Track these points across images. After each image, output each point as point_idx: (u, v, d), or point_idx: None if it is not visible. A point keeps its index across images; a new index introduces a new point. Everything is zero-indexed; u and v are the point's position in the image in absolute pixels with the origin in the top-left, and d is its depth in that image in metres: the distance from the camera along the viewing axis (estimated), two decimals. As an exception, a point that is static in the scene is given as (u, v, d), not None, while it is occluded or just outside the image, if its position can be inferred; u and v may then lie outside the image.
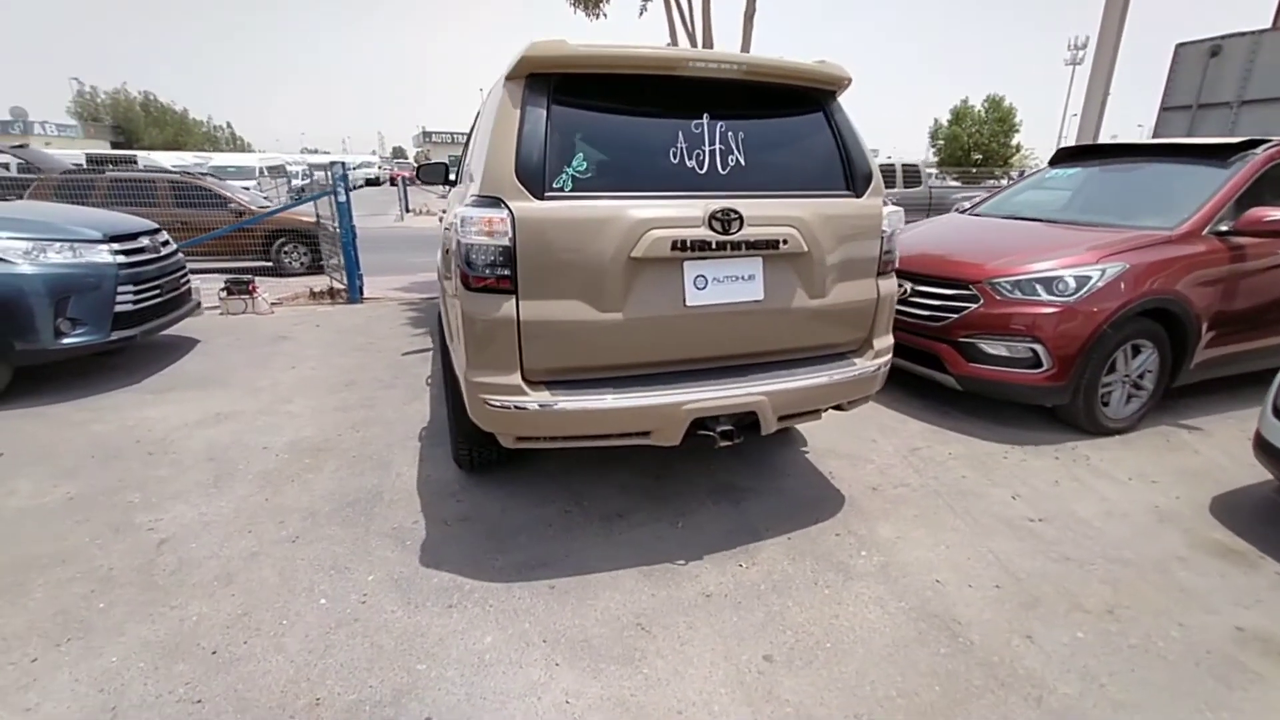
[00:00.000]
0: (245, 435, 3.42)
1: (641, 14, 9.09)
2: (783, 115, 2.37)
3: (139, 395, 4.00)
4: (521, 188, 1.98)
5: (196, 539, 2.47)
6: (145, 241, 4.43)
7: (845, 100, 2.45)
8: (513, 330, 2.02)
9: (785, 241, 2.18)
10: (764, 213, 2.17)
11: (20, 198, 7.75)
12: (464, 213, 1.97)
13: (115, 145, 39.51)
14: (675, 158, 2.14)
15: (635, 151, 2.16)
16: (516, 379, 2.07)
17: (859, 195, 2.39)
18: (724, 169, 2.19)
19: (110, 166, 13.11)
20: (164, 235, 4.81)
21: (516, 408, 2.06)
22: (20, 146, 14.12)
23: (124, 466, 3.04)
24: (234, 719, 1.67)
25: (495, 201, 1.97)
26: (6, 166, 11.55)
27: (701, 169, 2.16)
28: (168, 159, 20.20)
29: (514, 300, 2.02)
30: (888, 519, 2.67)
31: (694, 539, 2.52)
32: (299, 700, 1.73)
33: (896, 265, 2.58)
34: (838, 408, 2.57)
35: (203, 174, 11.38)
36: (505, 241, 1.96)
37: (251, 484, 2.90)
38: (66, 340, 3.80)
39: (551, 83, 2.06)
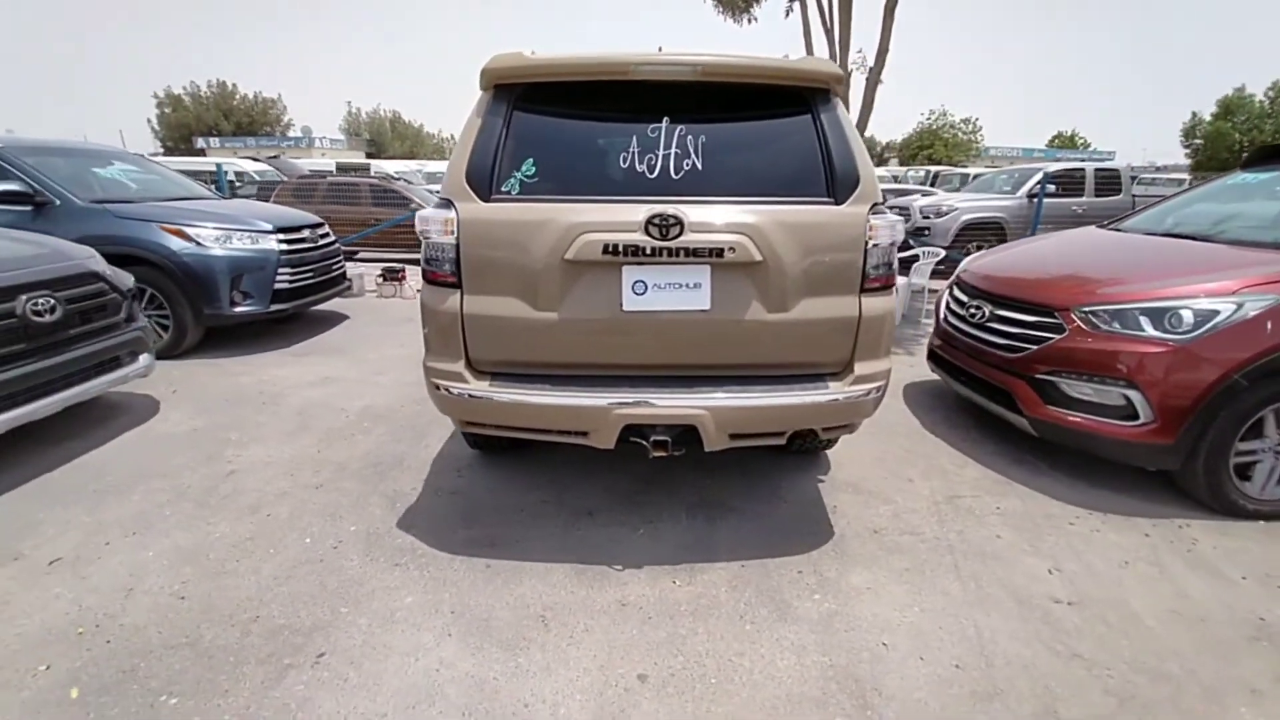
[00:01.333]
0: (334, 398, 4.06)
1: (788, 15, 8.83)
2: (758, 117, 2.24)
3: (282, 357, 4.94)
4: (470, 191, 2.13)
5: (254, 475, 3.02)
6: (306, 233, 5.44)
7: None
8: (457, 322, 2.19)
9: (733, 250, 2.06)
10: (711, 219, 2.07)
11: (269, 197, 9.89)
12: (423, 213, 2.18)
13: (368, 155, 48.06)
14: (625, 162, 2.14)
15: (586, 156, 2.20)
16: (460, 367, 2.23)
17: (839, 202, 2.16)
18: (676, 174, 2.14)
19: (351, 173, 16.12)
20: (324, 228, 5.85)
21: (458, 394, 2.22)
22: (274, 158, 17.93)
23: (240, 412, 3.80)
24: (197, 616, 2.06)
25: (448, 203, 2.16)
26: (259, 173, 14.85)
27: (652, 174, 2.13)
28: (393, 166, 24.10)
29: (459, 295, 2.18)
30: (869, 567, 2.37)
31: (645, 548, 2.48)
32: (244, 614, 2.07)
33: (892, 281, 2.28)
34: (810, 435, 2.34)
35: (395, 178, 13.44)
36: (452, 240, 2.13)
37: (315, 437, 3.45)
38: (238, 309, 4.83)
39: (515, 92, 2.19)
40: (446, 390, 2.23)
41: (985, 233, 8.46)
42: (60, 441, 3.29)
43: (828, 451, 3.33)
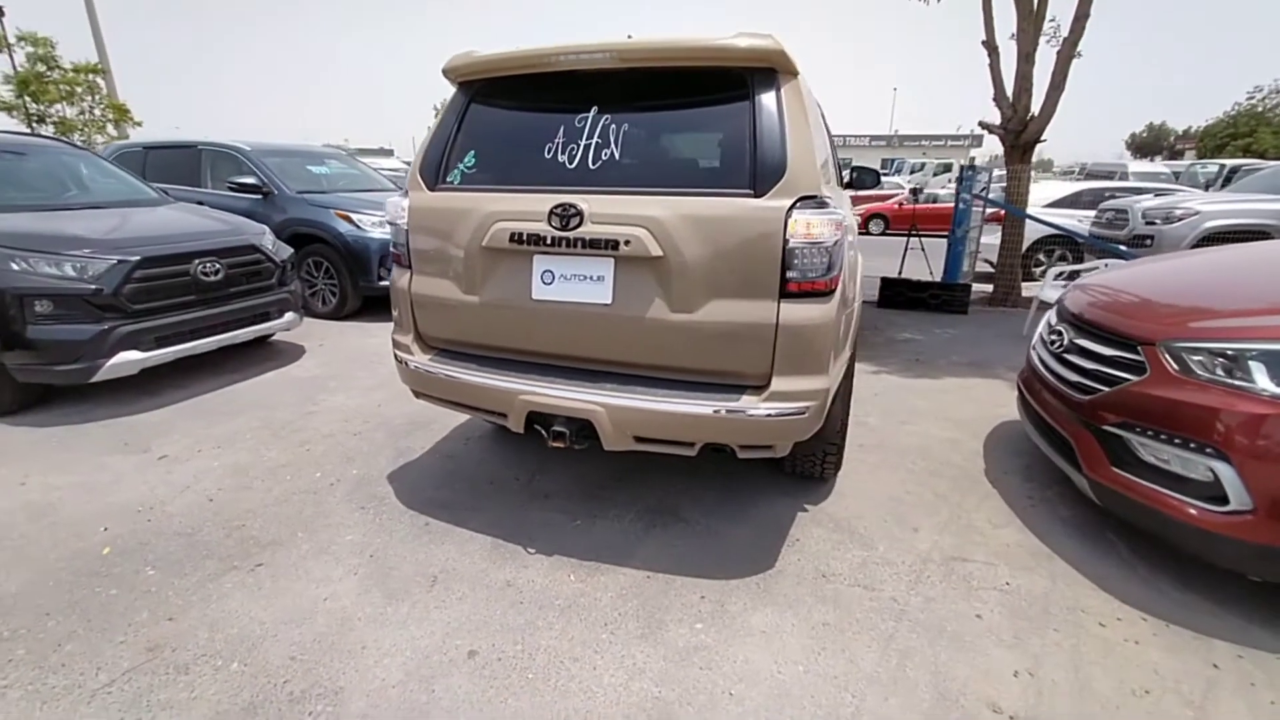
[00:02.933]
0: (422, 363, 4.68)
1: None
2: (691, 103, 2.07)
3: (410, 326, 5.81)
4: (420, 181, 2.34)
5: (323, 416, 3.67)
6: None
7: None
8: (407, 299, 2.43)
9: (628, 243, 1.97)
10: (610, 210, 2.00)
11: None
12: (389, 200, 2.45)
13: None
14: (550, 153, 2.15)
15: (517, 147, 2.25)
16: (410, 340, 2.47)
17: (759, 195, 1.91)
18: (594, 164, 2.09)
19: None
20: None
21: (405, 364, 2.47)
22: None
23: (351, 366, 4.60)
24: (209, 516, 2.61)
25: (405, 192, 2.40)
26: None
27: (572, 163, 2.12)
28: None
29: (409, 274, 2.42)
30: (783, 611, 2.09)
31: (570, 538, 2.49)
32: (237, 522, 2.57)
33: (828, 287, 1.95)
34: (726, 449, 2.12)
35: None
36: (404, 225, 2.37)
37: (385, 395, 4.03)
38: (381, 282, 5.79)
39: (473, 89, 2.34)
40: (402, 361, 2.49)
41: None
42: (224, 373, 4.33)
43: (840, 478, 2.95)
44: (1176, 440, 2.04)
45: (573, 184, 2.09)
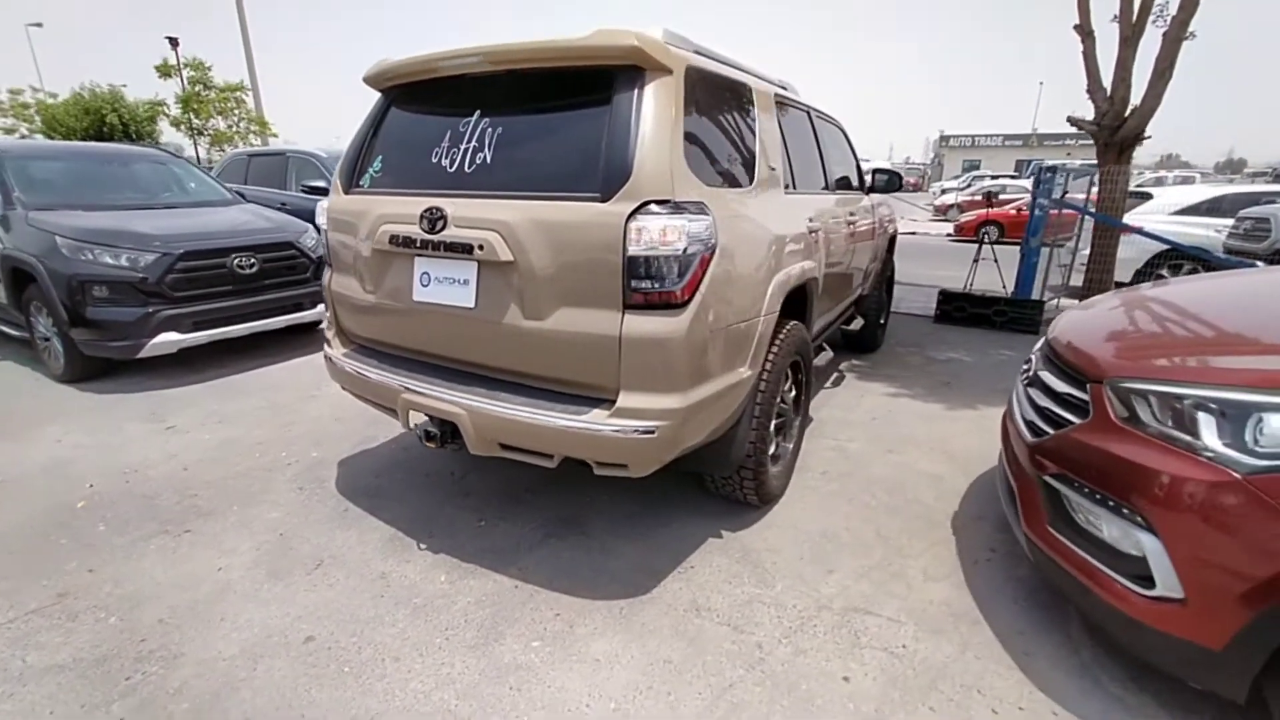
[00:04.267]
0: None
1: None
2: (563, 104, 1.99)
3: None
4: (339, 184, 2.46)
5: (321, 401, 3.95)
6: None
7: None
8: (329, 295, 2.56)
9: (481, 247, 1.94)
10: (470, 214, 1.98)
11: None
12: (319, 203, 2.60)
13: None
14: (436, 157, 2.17)
15: (412, 152, 2.28)
16: (331, 334, 2.61)
17: (605, 199, 1.80)
18: (469, 167, 2.08)
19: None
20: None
21: (326, 357, 2.60)
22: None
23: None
24: (175, 483, 2.91)
25: (327, 194, 2.53)
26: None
27: (452, 167, 2.12)
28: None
29: (330, 272, 2.54)
30: (631, 643, 1.96)
31: (464, 539, 2.50)
32: (192, 491, 2.85)
33: (678, 299, 1.79)
34: (585, 465, 2.02)
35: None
36: (325, 224, 2.50)
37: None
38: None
39: (389, 95, 2.42)
40: (324, 354, 2.63)
41: None
42: (257, 357, 4.81)
43: (782, 505, 2.72)
44: (1110, 502, 1.66)
45: (448, 187, 2.10)
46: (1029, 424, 2.08)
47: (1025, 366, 2.34)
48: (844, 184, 3.98)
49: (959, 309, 6.13)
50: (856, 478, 3.03)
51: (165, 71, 16.55)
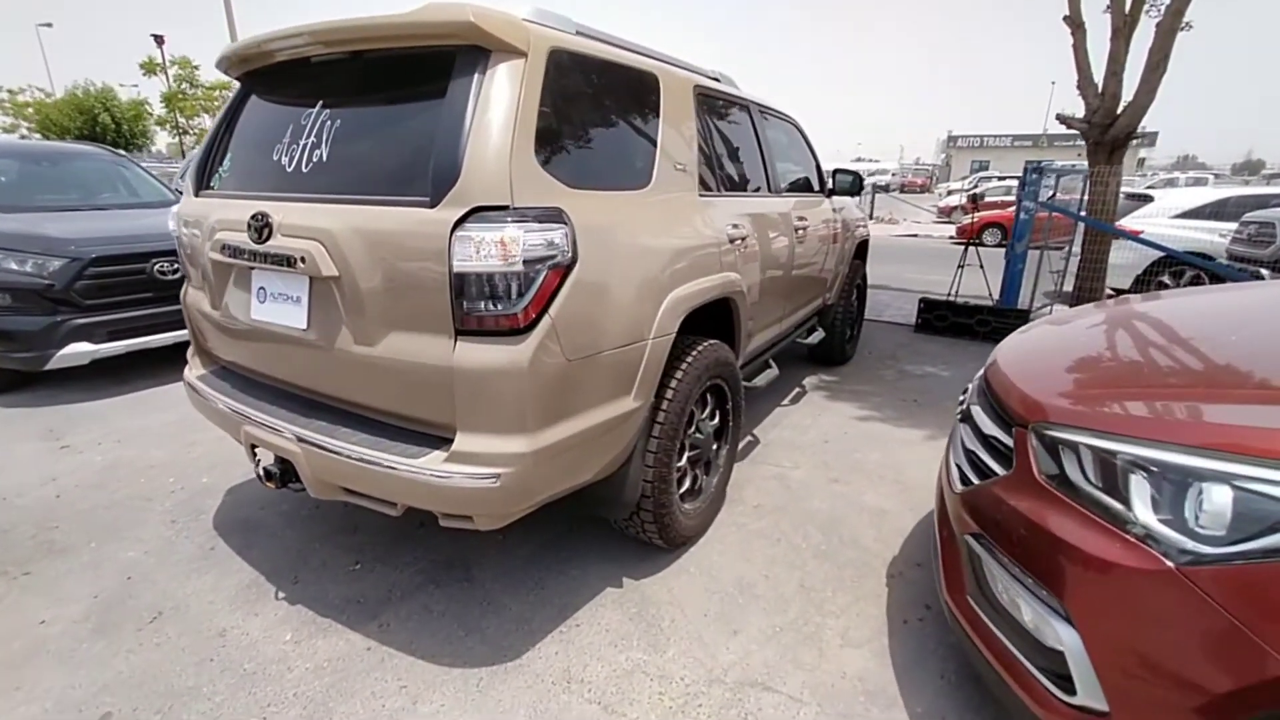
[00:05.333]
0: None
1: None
2: (403, 94, 1.71)
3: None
4: (190, 185, 2.19)
5: (233, 418, 3.70)
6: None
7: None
8: (186, 311, 2.29)
9: (303, 260, 1.66)
10: (296, 221, 1.70)
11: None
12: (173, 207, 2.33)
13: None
14: (277, 155, 1.89)
15: (257, 149, 2.00)
16: (191, 351, 2.34)
17: (433, 204, 1.51)
18: (306, 166, 1.80)
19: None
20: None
21: (184, 381, 2.33)
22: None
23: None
24: (40, 513, 2.65)
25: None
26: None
27: (290, 166, 1.84)
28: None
29: (187, 284, 2.27)
30: (467, 713, 1.67)
31: (331, 584, 2.21)
32: (53, 524, 2.59)
33: (520, 323, 1.50)
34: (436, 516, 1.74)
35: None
36: (175, 232, 2.23)
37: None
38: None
39: (245, 84, 2.14)
40: (184, 376, 2.36)
41: None
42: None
43: (702, 546, 2.43)
44: (1027, 580, 1.36)
45: (283, 190, 1.83)
46: (958, 468, 1.78)
47: (961, 397, 2.03)
48: (799, 186, 3.68)
49: (940, 318, 5.79)
50: (791, 513, 2.72)
51: (150, 69, 16.51)
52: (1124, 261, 6.74)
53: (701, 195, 2.35)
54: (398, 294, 1.59)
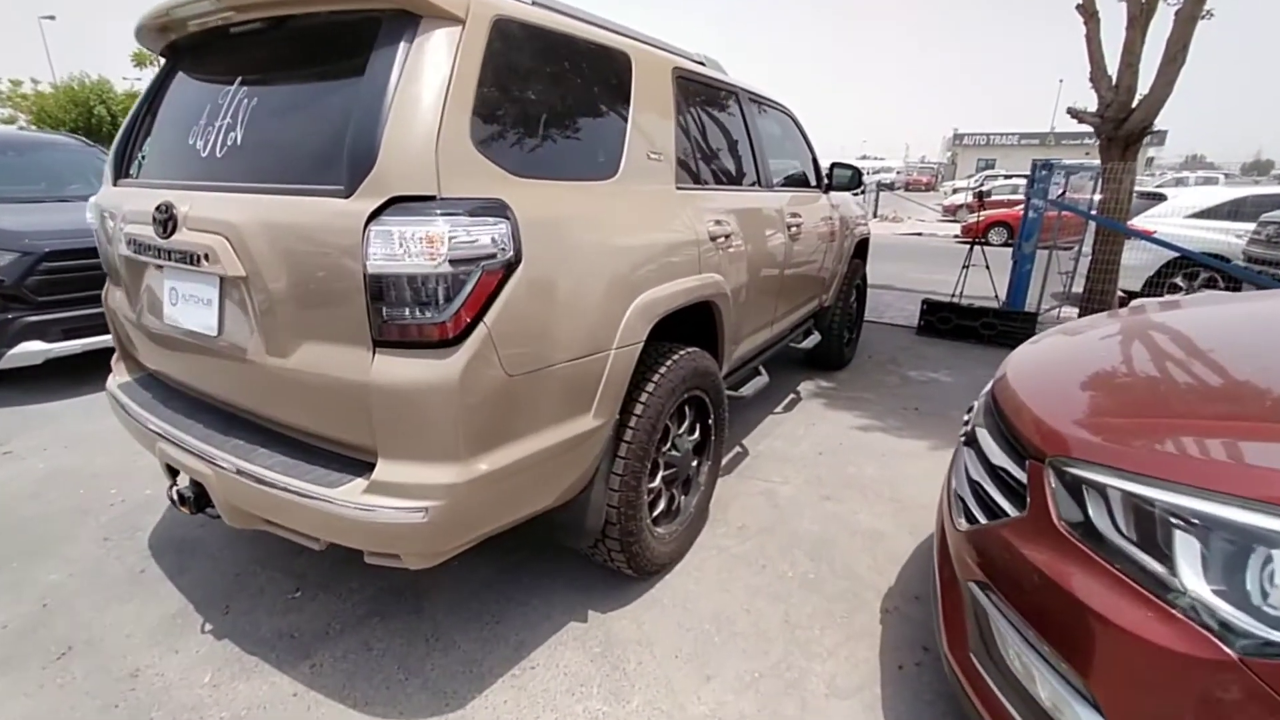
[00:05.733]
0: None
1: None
2: (326, 68, 1.49)
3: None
4: (109, 173, 1.97)
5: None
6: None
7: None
8: (108, 311, 2.08)
9: (207, 256, 1.44)
10: (202, 213, 1.49)
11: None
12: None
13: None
14: (192, 138, 1.68)
15: (175, 131, 1.78)
16: (115, 358, 2.12)
17: (348, 193, 1.29)
18: (220, 151, 1.59)
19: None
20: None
21: (106, 389, 2.11)
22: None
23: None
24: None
25: (105, 186, 2.04)
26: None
27: (204, 151, 1.63)
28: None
29: (109, 282, 2.06)
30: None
31: (265, 615, 2.01)
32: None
33: (449, 332, 1.28)
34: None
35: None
36: (94, 224, 2.01)
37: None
38: None
39: (172, 58, 1.92)
40: (107, 382, 2.15)
41: None
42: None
43: (677, 574, 2.21)
44: (1042, 648, 1.13)
45: (195, 177, 1.61)
46: (961, 501, 1.55)
47: (966, 416, 1.81)
48: (793, 181, 3.45)
49: (944, 320, 5.56)
50: (779, 534, 2.50)
51: (142, 61, 16.28)
52: (1135, 263, 6.48)
53: (680, 188, 2.13)
54: (311, 298, 1.37)
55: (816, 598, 2.14)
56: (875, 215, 20.48)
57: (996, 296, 5.82)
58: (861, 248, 4.55)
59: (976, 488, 1.48)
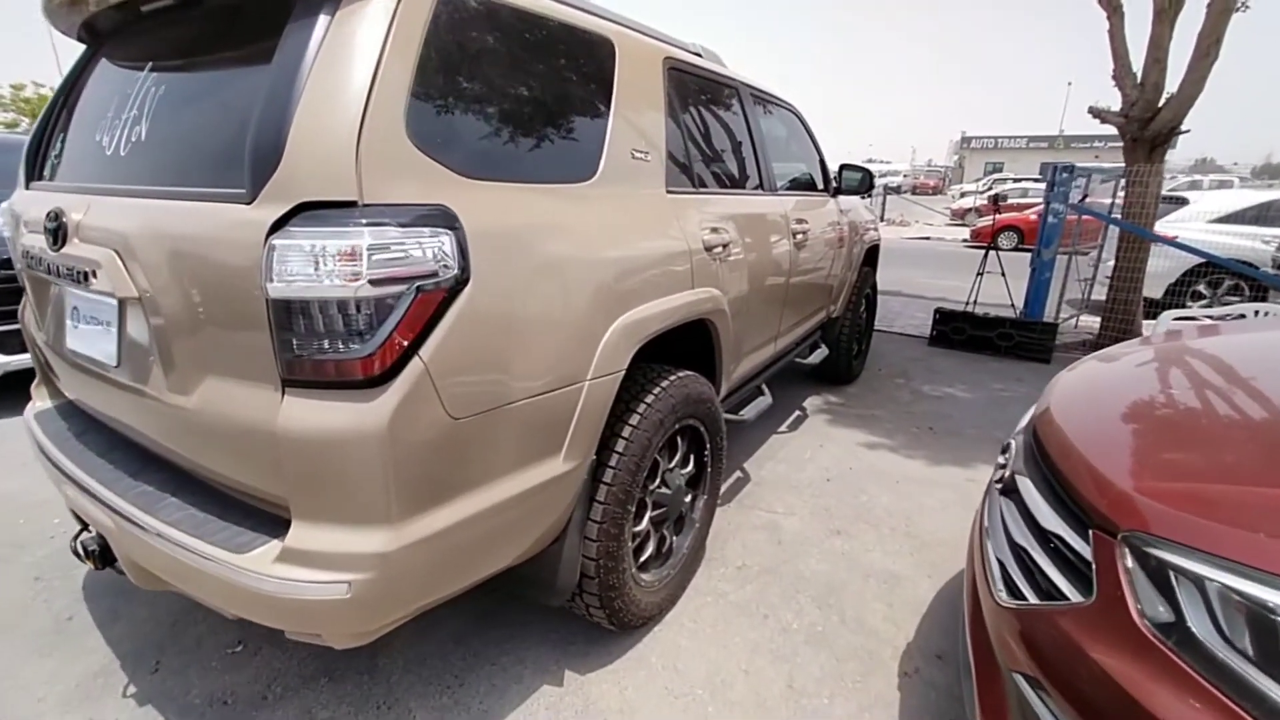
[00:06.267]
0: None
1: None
2: (236, 50, 1.26)
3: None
4: (22, 175, 1.74)
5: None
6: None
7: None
8: (24, 330, 1.85)
9: (94, 274, 1.21)
10: (93, 221, 1.26)
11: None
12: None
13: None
14: (98, 134, 1.45)
15: (81, 128, 1.56)
16: (35, 383, 1.89)
17: (250, 199, 1.05)
18: (124, 148, 1.36)
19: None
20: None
21: (24, 419, 1.87)
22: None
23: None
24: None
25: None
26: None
27: (109, 148, 1.40)
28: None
29: (25, 297, 1.83)
30: None
31: (199, 675, 1.77)
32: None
33: (372, 370, 1.04)
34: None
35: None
36: (6, 232, 1.78)
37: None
38: None
39: (86, 44, 1.69)
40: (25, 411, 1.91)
41: None
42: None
43: (668, 625, 1.96)
44: (1124, 778, 0.87)
45: (96, 179, 1.38)
46: (1000, 565, 1.30)
47: (1001, 459, 1.55)
48: (799, 184, 3.20)
49: (958, 330, 5.28)
50: (782, 576, 2.25)
51: None
52: (1156, 269, 6.20)
53: (671, 192, 1.88)
54: (211, 326, 1.13)
55: (825, 656, 1.88)
56: (882, 219, 20.23)
57: (1013, 305, 5.54)
58: (872, 254, 4.29)
59: (1021, 554, 1.22)
